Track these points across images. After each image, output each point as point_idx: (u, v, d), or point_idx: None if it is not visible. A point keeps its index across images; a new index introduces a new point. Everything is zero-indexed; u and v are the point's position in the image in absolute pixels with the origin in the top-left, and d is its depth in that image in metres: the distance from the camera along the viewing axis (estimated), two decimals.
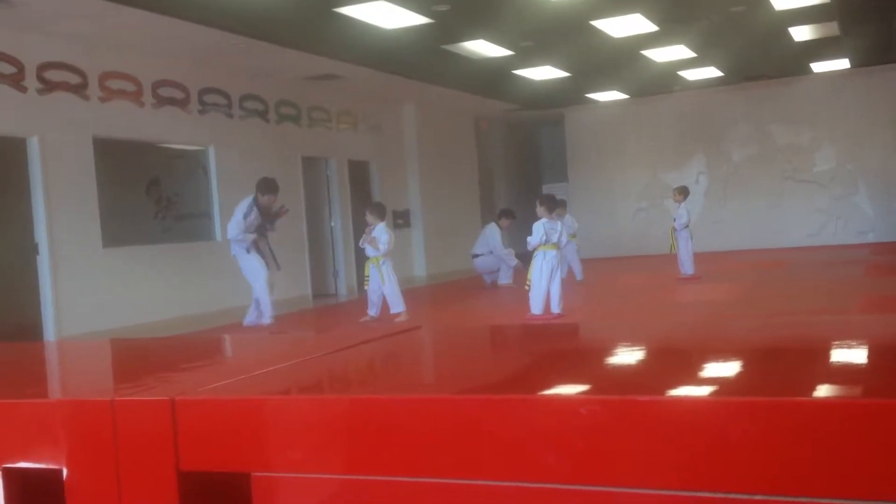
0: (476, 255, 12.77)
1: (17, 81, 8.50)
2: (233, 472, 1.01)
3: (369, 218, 9.24)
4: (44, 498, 1.10)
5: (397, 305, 9.04)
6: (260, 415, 1.02)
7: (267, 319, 8.91)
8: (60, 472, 1.08)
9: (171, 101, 10.35)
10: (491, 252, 12.62)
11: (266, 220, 9.10)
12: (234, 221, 8.95)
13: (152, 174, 10.33)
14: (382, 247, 8.95)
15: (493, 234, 12.61)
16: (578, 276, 12.38)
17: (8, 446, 1.13)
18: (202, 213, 10.85)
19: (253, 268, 8.93)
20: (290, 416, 1.02)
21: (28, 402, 1.16)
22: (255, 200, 9.02)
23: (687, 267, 11.74)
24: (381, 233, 9.00)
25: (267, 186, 9.05)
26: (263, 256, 9.04)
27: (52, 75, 8.87)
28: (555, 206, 8.73)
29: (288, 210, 9.43)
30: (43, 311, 8.71)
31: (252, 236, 8.91)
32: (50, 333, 8.62)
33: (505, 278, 12.51)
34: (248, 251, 8.93)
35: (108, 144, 9.50)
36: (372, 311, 9.21)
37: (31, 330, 8.70)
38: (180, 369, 1.45)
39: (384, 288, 9.02)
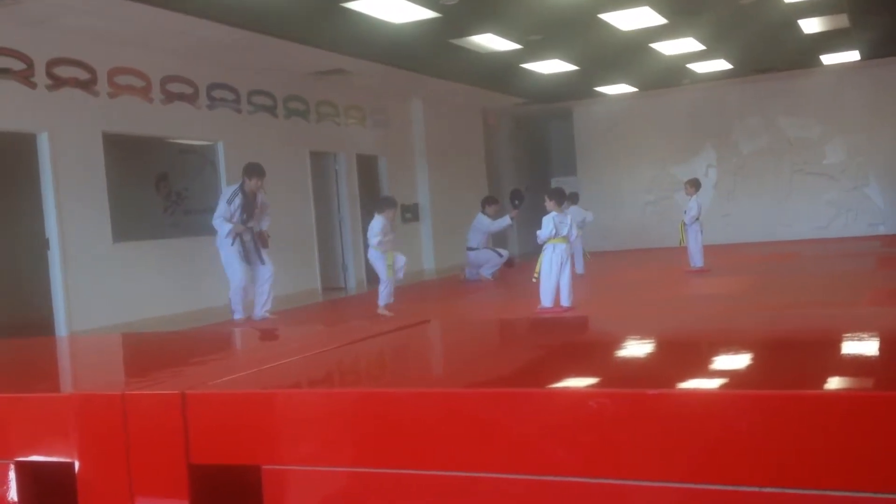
0: (471, 248, 12.99)
1: (26, 77, 8.53)
2: (243, 465, 1.02)
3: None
4: (56, 491, 1.11)
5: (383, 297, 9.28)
6: (270, 408, 1.03)
7: (237, 315, 9.13)
8: (72, 465, 1.08)
9: (180, 97, 10.37)
10: (485, 246, 12.99)
11: (249, 210, 9.14)
12: (218, 207, 9.08)
13: (161, 169, 10.35)
14: (371, 238, 9.20)
15: (483, 222, 12.99)
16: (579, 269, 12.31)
17: (20, 440, 1.13)
18: (211, 208, 10.85)
19: (230, 264, 9.05)
20: (299, 409, 1.02)
21: (40, 396, 1.17)
22: (242, 186, 9.12)
23: (696, 260, 11.71)
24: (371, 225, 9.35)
25: (252, 170, 9.13)
26: (247, 252, 9.10)
27: (61, 71, 8.89)
28: (564, 199, 8.73)
29: (269, 236, 9.54)
30: (54, 306, 8.75)
31: (229, 226, 8.97)
32: (61, 328, 8.66)
33: (487, 271, 12.78)
34: (231, 243, 9.00)
35: (117, 140, 9.53)
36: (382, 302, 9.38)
37: (42, 324, 8.74)
38: (190, 363, 1.46)
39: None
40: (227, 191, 9.26)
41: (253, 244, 9.17)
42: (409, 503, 0.94)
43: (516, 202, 13.22)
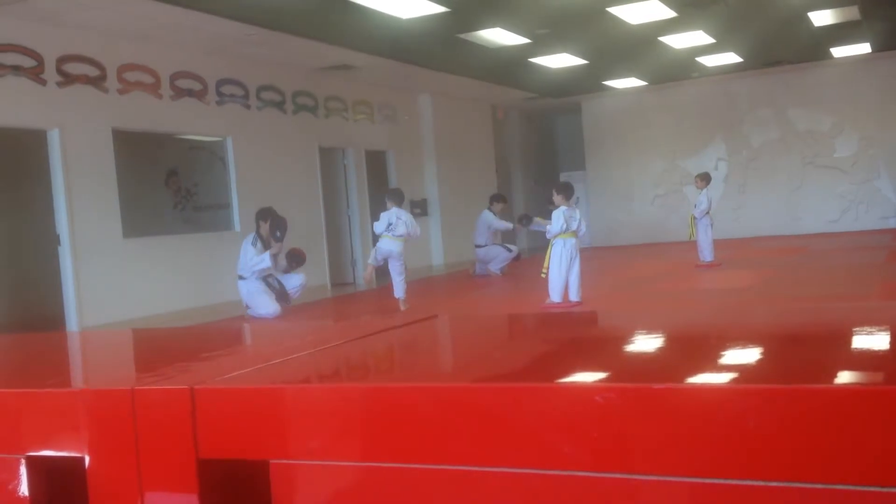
0: (479, 246, 13.02)
1: (36, 74, 8.56)
2: (251, 460, 1.02)
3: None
4: (66, 485, 1.11)
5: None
6: (278, 403, 1.03)
7: (250, 311, 9.50)
8: (83, 459, 1.09)
9: (189, 93, 10.39)
10: (493, 243, 13.05)
11: (283, 230, 9.54)
12: (243, 257, 9.46)
13: (171, 165, 10.39)
14: (400, 230, 9.39)
15: (488, 219, 13.04)
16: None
17: (31, 435, 1.14)
18: (221, 203, 10.91)
19: (260, 305, 9.37)
20: (308, 404, 1.02)
21: (51, 391, 1.18)
22: (258, 231, 9.59)
23: (706, 254, 11.68)
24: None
25: (264, 214, 9.66)
26: (276, 291, 9.52)
27: (71, 68, 8.92)
28: (572, 193, 8.72)
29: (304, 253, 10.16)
30: (65, 302, 8.80)
31: (265, 255, 9.35)
32: (72, 323, 8.71)
33: (495, 267, 12.78)
34: (261, 289, 9.36)
35: (127, 136, 9.56)
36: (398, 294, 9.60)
37: (53, 320, 8.79)
38: (199, 358, 1.46)
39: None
40: (246, 241, 9.66)
41: (277, 282, 9.58)
42: (416, 498, 0.95)
43: (523, 222, 13.13)
